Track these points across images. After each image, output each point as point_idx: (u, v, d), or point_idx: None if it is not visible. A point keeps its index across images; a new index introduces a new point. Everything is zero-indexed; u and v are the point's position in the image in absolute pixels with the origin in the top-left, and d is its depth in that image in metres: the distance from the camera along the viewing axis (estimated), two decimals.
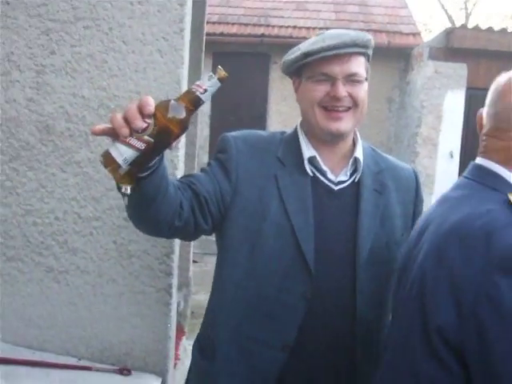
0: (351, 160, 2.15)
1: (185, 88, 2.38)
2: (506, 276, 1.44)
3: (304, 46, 2.08)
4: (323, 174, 2.14)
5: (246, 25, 13.05)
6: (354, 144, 2.21)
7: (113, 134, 1.60)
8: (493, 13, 30.67)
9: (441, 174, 11.10)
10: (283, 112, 12.81)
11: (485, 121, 1.79)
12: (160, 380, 2.45)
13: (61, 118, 2.37)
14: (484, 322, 1.46)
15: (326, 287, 2.05)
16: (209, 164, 2.16)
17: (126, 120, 1.57)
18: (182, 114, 1.60)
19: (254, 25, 13.07)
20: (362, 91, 2.10)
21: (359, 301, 2.06)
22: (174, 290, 2.49)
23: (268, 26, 13.02)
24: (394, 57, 12.60)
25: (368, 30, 12.70)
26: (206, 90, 1.61)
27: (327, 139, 2.12)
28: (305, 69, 2.10)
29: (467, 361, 1.51)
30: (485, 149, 1.76)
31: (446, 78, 11.12)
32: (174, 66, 2.32)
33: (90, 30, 2.33)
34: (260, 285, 2.06)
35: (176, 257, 2.49)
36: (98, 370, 2.39)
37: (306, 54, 2.04)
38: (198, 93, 1.61)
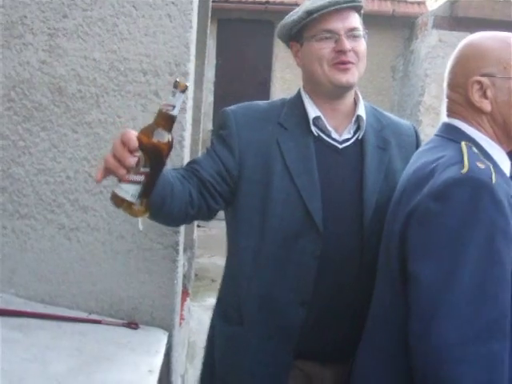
0: (354, 118, 2.23)
1: (193, 51, 2.45)
2: (436, 202, 1.65)
3: (304, 7, 2.15)
4: (328, 134, 2.21)
5: None
6: (356, 103, 2.28)
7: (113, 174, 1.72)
8: None
9: None
10: (287, 79, 12.83)
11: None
12: (167, 334, 2.52)
13: (72, 80, 2.42)
14: (412, 236, 1.72)
15: (334, 244, 2.14)
16: (212, 143, 2.25)
17: (118, 160, 1.67)
18: (165, 136, 1.73)
19: None
20: (363, 45, 2.18)
21: (366, 254, 2.15)
22: (181, 248, 2.56)
23: None
24: (399, 25, 12.59)
25: None
26: (174, 106, 1.72)
27: (336, 93, 2.20)
28: (306, 29, 2.17)
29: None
30: (447, 109, 1.95)
31: (450, 47, 11.02)
32: (182, 30, 2.37)
33: None
34: (274, 248, 2.15)
35: None
36: (107, 323, 2.46)
37: (309, 12, 2.10)
38: (169, 112, 1.73)
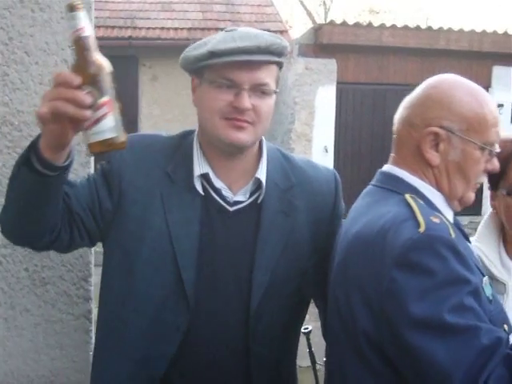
0: (252, 180, 1.97)
1: None
2: (402, 270, 1.52)
3: (211, 43, 1.84)
4: (217, 191, 1.95)
5: (113, 27, 12.90)
6: (260, 160, 2.01)
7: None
8: (350, 7, 31.64)
9: None
10: (155, 115, 12.79)
11: None
12: None
13: None
14: (391, 317, 1.54)
15: (207, 321, 1.91)
16: (95, 170, 2.00)
17: (73, 103, 1.45)
18: (94, 56, 1.53)
19: (121, 27, 12.96)
20: (268, 105, 1.88)
21: (252, 339, 1.94)
22: (93, 316, 2.35)
23: (135, 28, 12.93)
24: None
25: None
26: (82, 28, 1.53)
27: (227, 151, 1.92)
28: (208, 70, 1.86)
29: (389, 356, 1.59)
30: (392, 150, 1.83)
31: (317, 74, 11.34)
32: None
33: None
34: (132, 314, 1.92)
35: (93, 280, 2.35)
36: None
37: (213, 54, 1.81)
38: (82, 35, 1.53)
